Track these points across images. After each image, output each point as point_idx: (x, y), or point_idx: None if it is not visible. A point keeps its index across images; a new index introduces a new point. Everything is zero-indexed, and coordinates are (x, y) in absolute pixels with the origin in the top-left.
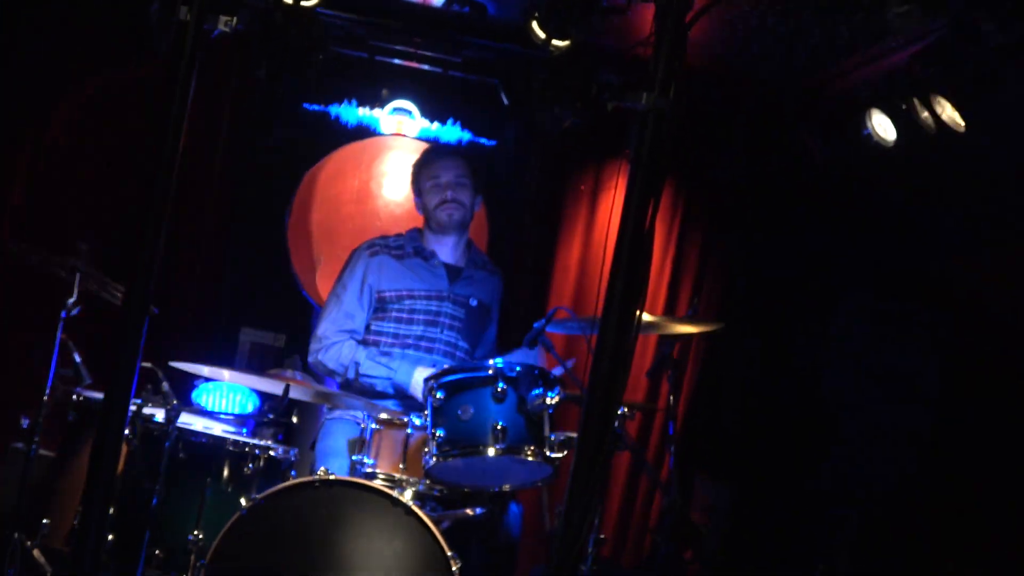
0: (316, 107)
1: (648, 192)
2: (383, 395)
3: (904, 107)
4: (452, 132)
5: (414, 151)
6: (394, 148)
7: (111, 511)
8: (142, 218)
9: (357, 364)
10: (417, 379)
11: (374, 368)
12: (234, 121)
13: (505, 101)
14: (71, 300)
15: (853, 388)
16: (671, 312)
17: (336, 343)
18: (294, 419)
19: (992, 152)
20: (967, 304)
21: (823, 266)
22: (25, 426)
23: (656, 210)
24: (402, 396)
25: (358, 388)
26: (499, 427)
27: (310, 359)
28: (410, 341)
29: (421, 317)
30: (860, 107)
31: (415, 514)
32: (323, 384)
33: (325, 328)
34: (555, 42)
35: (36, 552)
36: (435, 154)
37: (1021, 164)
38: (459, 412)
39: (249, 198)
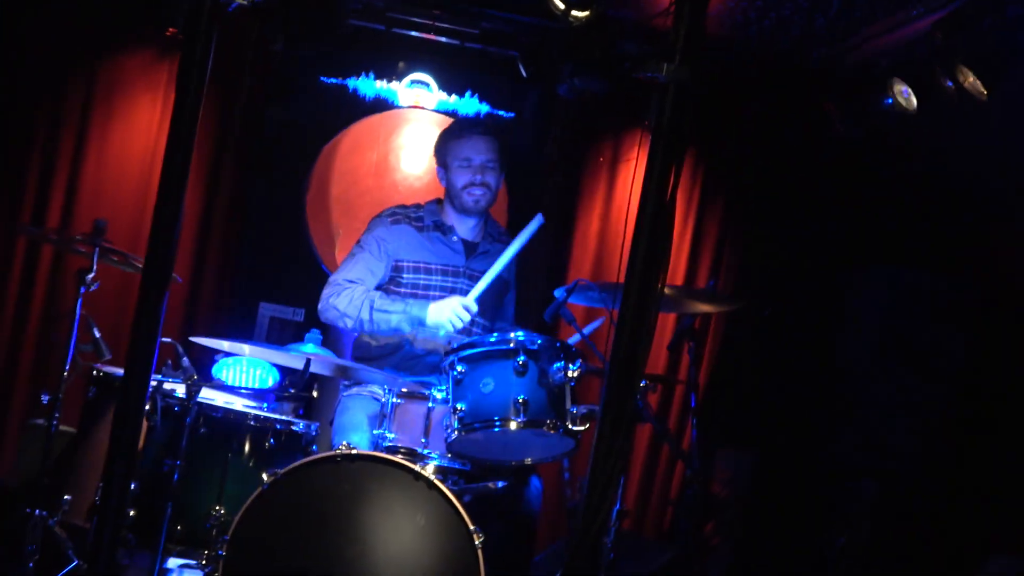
0: (334, 80)
1: (669, 163)
2: (394, 341)
3: (927, 76)
4: (470, 105)
5: (432, 124)
6: (412, 121)
7: (132, 487)
8: (160, 193)
9: (372, 302)
10: (432, 310)
11: (389, 304)
12: (251, 95)
13: (524, 73)
14: (90, 276)
15: (872, 359)
16: (691, 284)
17: (349, 288)
18: (314, 393)
19: (1017, 120)
20: (992, 275)
21: (844, 237)
22: (45, 402)
23: (677, 181)
24: (419, 326)
25: (370, 331)
26: (521, 400)
27: (320, 305)
28: (423, 294)
29: (436, 293)
30: (881, 77)
31: (437, 488)
32: (343, 357)
33: (339, 276)
34: (575, 13)
35: (57, 528)
36: (467, 131)
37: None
38: (480, 385)
39: (267, 172)
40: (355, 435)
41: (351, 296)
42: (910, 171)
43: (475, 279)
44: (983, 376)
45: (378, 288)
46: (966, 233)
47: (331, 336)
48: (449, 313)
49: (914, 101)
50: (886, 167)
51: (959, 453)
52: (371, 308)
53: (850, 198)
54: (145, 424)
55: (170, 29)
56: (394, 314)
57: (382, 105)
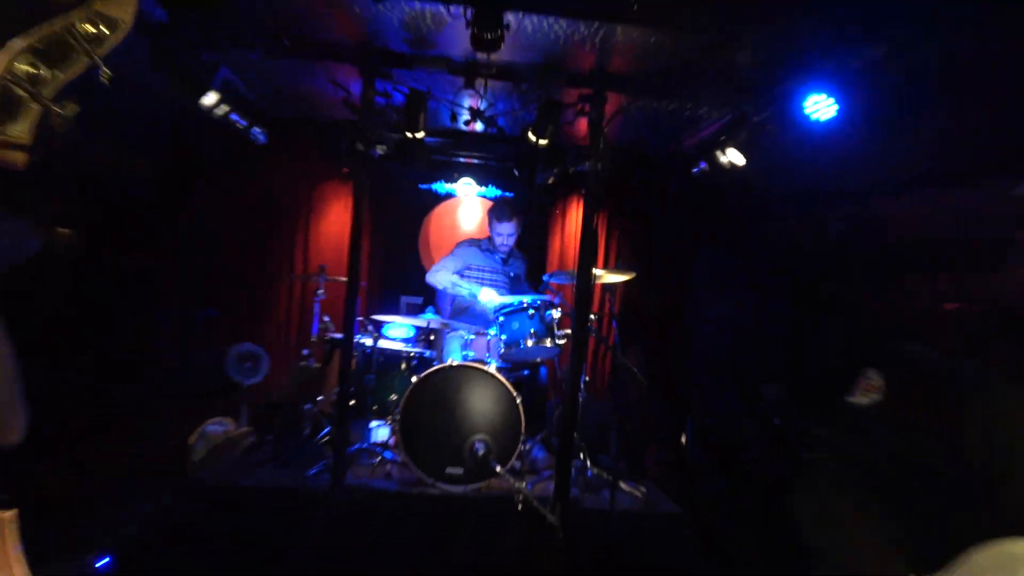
0: (425, 186)
1: (594, 209)
2: (463, 307)
3: (714, 152)
4: (491, 191)
5: (475, 202)
6: (463, 202)
7: (351, 390)
8: (350, 251)
9: (451, 277)
10: (483, 292)
11: (460, 280)
12: (385, 193)
13: (516, 173)
14: (320, 291)
15: (702, 295)
16: (606, 266)
17: (441, 270)
18: (432, 337)
19: (766, 176)
20: (765, 254)
21: (686, 242)
22: (306, 353)
23: (598, 218)
24: (473, 299)
25: (451, 295)
26: (532, 331)
27: (427, 278)
28: (477, 281)
29: (487, 281)
30: (693, 157)
31: (496, 377)
32: (444, 317)
33: (437, 265)
34: (540, 141)
35: (317, 412)
36: (502, 214)
37: (780, 180)
38: (512, 326)
39: (399, 231)
40: (454, 356)
41: (441, 276)
42: (714, 201)
43: (506, 275)
44: (752, 319)
45: (467, 274)
46: (747, 230)
47: (437, 308)
48: (489, 297)
49: (741, 159)
50: (700, 198)
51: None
52: (450, 280)
53: (689, 220)
54: (353, 359)
55: (344, 169)
56: (461, 287)
57: (448, 196)
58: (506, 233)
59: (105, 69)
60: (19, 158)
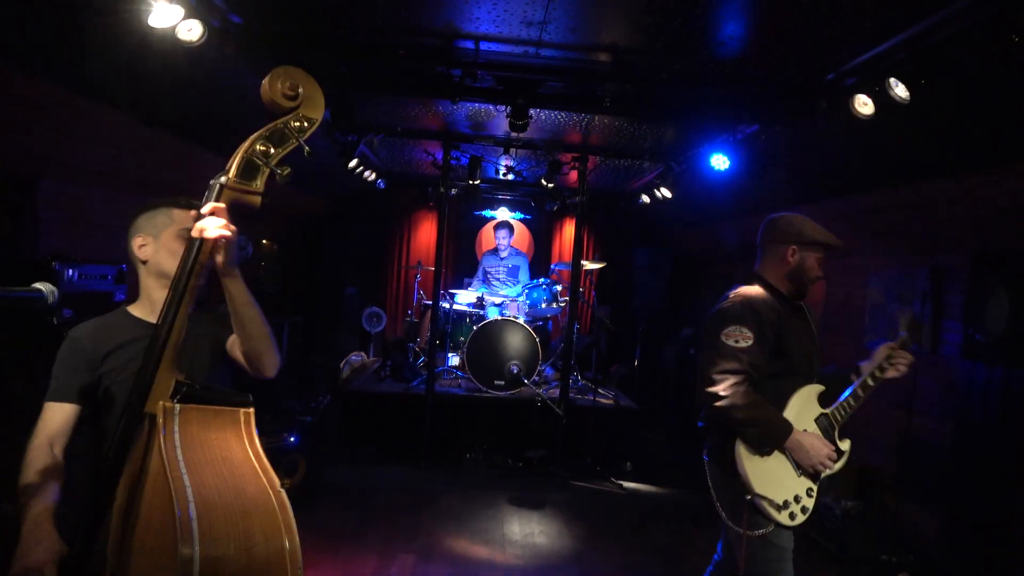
0: (478, 212)
1: (581, 225)
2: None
3: (654, 189)
4: (517, 216)
5: (511, 222)
6: (506, 222)
7: (438, 334)
8: (436, 251)
9: (480, 282)
10: (496, 288)
11: (481, 282)
12: (455, 217)
13: (533, 204)
14: (418, 276)
15: (637, 279)
16: (589, 259)
17: (476, 280)
18: (483, 303)
19: (683, 204)
20: (680, 248)
21: (632, 244)
22: (409, 312)
23: (584, 230)
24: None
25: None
26: (545, 298)
27: (471, 285)
28: (494, 282)
29: (497, 277)
30: (637, 193)
31: (523, 326)
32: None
33: (475, 278)
34: (549, 184)
35: (417, 348)
36: (500, 226)
37: (691, 206)
38: (534, 294)
39: (464, 239)
40: (496, 313)
41: (476, 280)
42: (650, 219)
43: (506, 266)
44: (670, 300)
45: (484, 273)
46: (668, 237)
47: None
48: (496, 286)
49: (669, 193)
50: (642, 217)
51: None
52: (482, 277)
53: (636, 227)
54: (429, 318)
55: (431, 203)
56: (480, 284)
57: (492, 218)
58: (502, 236)
59: (307, 147)
60: (256, 201)
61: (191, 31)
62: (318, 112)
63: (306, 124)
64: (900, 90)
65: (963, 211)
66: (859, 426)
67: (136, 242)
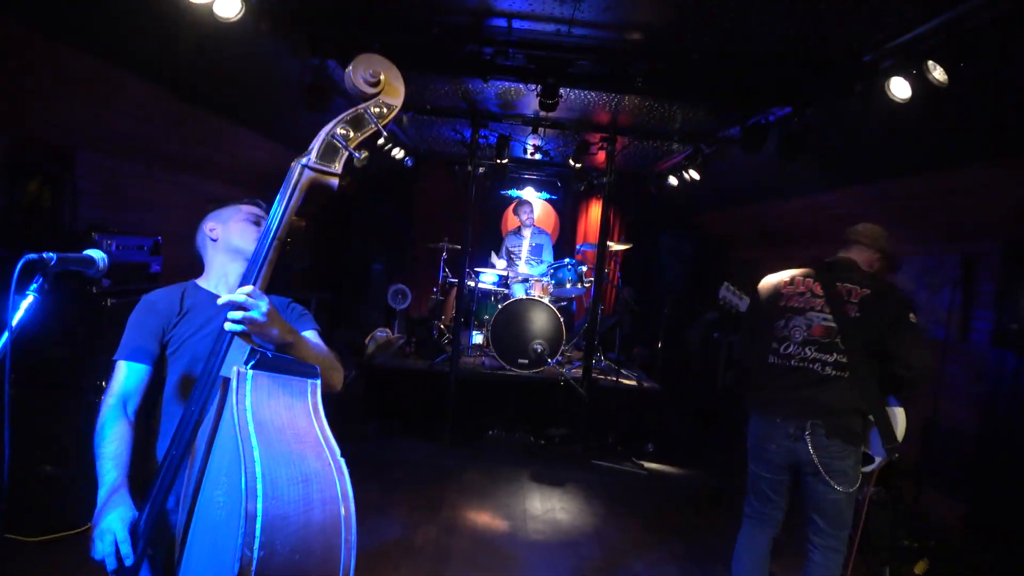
0: (505, 191)
1: (607, 206)
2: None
3: (682, 171)
4: (543, 196)
5: (536, 201)
6: (527, 201)
7: (463, 312)
8: (463, 229)
9: (504, 255)
10: (519, 266)
11: (502, 259)
12: (482, 196)
13: (559, 184)
14: (444, 254)
15: (664, 260)
16: (614, 240)
17: (501, 257)
18: (508, 281)
19: (711, 187)
20: (706, 231)
21: (658, 226)
22: (435, 290)
23: (609, 211)
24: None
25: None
26: (569, 279)
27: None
28: (516, 261)
29: (520, 255)
30: (665, 175)
31: (548, 305)
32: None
33: (498, 257)
34: (576, 165)
35: (440, 327)
36: (523, 203)
37: (719, 190)
38: (559, 275)
39: (490, 218)
40: (521, 292)
41: (498, 259)
42: (676, 201)
43: (530, 245)
44: (695, 282)
45: (507, 252)
46: (693, 219)
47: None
48: (522, 267)
49: (697, 176)
50: (669, 199)
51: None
52: (504, 257)
53: (658, 209)
54: (453, 295)
55: (459, 182)
56: (504, 261)
57: (518, 198)
58: (524, 215)
59: (384, 133)
60: (334, 181)
61: (228, 7)
62: (398, 99)
63: (385, 110)
64: (938, 73)
65: (997, 198)
66: None
67: (207, 227)
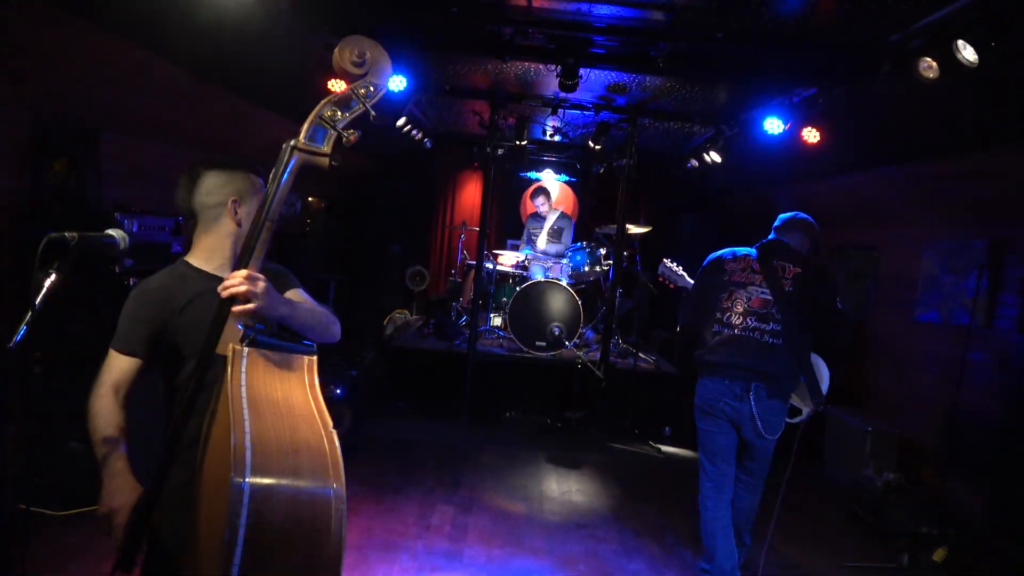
0: (523, 174)
1: (627, 189)
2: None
3: (703, 153)
4: (562, 178)
5: (554, 184)
6: (546, 184)
7: (481, 294)
8: (481, 211)
9: (526, 241)
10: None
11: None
12: (501, 178)
13: (578, 167)
14: (462, 236)
15: (689, 240)
16: (634, 223)
17: (520, 244)
18: (527, 264)
19: (733, 169)
20: (727, 214)
21: (679, 209)
22: (453, 272)
23: (630, 191)
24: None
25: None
26: (588, 262)
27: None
28: (537, 244)
29: (539, 238)
30: (686, 157)
31: (566, 288)
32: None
33: (521, 240)
34: (596, 146)
35: (459, 308)
36: (539, 191)
37: (741, 172)
38: (577, 257)
39: (508, 201)
40: (539, 275)
41: (522, 242)
42: (697, 184)
43: (550, 229)
44: None
45: (529, 236)
46: (714, 199)
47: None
48: (542, 248)
49: (717, 158)
50: (690, 182)
51: None
52: (526, 241)
53: (686, 193)
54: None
55: (476, 163)
56: (527, 244)
57: (537, 180)
58: (540, 203)
59: (373, 112)
60: (323, 162)
61: None
62: (384, 79)
63: (372, 89)
64: (968, 53)
65: None
66: (903, 399)
67: (231, 201)
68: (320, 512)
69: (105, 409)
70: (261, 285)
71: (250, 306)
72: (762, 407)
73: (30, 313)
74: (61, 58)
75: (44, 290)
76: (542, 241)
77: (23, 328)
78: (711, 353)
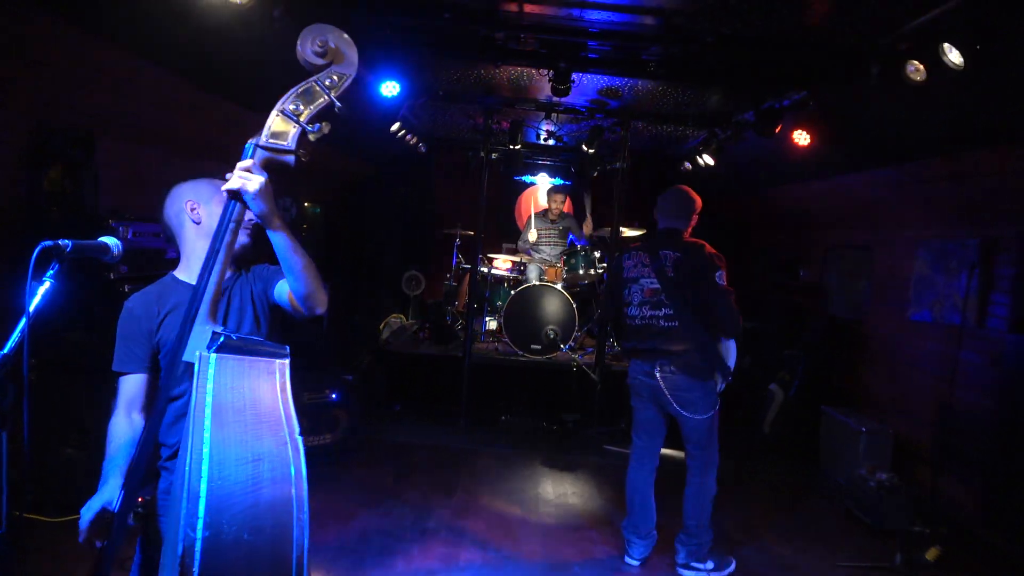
0: (518, 177)
1: (621, 192)
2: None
3: (696, 156)
4: (556, 180)
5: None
6: (541, 187)
7: (476, 298)
8: (475, 216)
9: (524, 240)
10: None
11: (525, 241)
12: (495, 182)
13: (572, 170)
14: (457, 240)
15: None
16: (628, 226)
17: (522, 241)
18: (522, 267)
19: (725, 171)
20: (720, 216)
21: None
22: (448, 277)
23: (625, 190)
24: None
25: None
26: (583, 265)
27: (519, 243)
28: (542, 243)
29: (546, 237)
30: (679, 160)
31: (561, 291)
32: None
33: (522, 235)
34: (589, 150)
35: (454, 311)
36: (556, 189)
37: (734, 174)
38: (574, 261)
39: (503, 204)
40: (535, 278)
41: (521, 239)
42: (693, 183)
43: (557, 228)
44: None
45: (538, 236)
46: (708, 202)
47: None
48: (545, 249)
49: (711, 160)
50: (685, 183)
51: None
52: (525, 241)
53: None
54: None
55: (471, 168)
56: (527, 243)
57: (531, 183)
58: (557, 200)
59: (338, 104)
60: (288, 158)
61: None
62: (350, 68)
63: (336, 79)
64: (954, 56)
65: (1018, 181)
66: (896, 398)
67: (186, 204)
68: (282, 521)
69: (114, 429)
70: (259, 180)
71: (239, 185)
72: (669, 382)
73: (24, 320)
74: (58, 65)
75: (38, 297)
76: (549, 240)
77: (16, 335)
78: (626, 340)
